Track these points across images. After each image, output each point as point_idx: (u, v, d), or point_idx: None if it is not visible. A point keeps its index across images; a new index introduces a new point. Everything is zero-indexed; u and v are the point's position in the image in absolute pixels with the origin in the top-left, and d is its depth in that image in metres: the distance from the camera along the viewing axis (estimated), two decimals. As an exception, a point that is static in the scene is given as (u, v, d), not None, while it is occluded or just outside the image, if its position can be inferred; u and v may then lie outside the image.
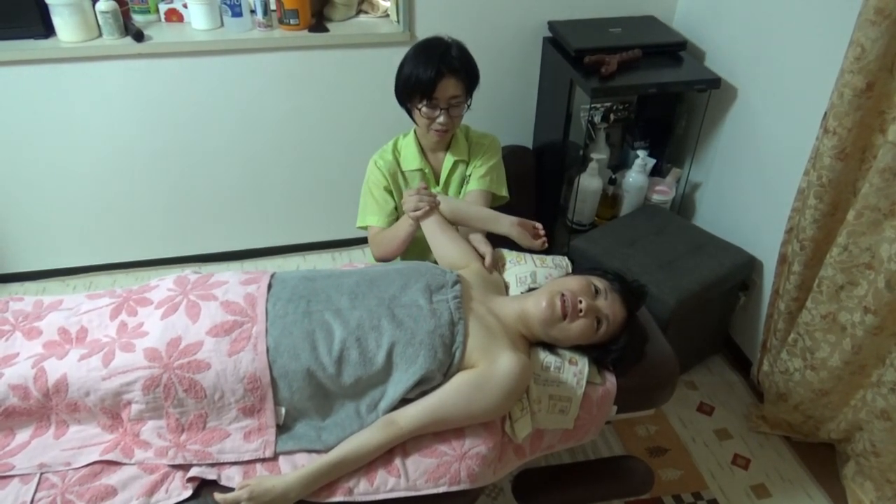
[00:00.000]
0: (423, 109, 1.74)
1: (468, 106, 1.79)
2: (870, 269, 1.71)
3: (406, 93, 1.75)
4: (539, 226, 1.65)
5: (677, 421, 2.21)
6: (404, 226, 1.74)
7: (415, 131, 1.88)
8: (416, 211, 1.66)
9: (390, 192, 1.88)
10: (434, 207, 1.67)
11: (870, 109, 1.62)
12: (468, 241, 1.69)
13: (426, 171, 1.88)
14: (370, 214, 1.90)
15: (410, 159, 1.87)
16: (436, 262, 1.67)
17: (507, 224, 1.65)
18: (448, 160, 1.88)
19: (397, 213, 1.91)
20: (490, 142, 1.92)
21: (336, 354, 1.29)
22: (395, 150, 1.89)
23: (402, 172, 1.88)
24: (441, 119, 1.74)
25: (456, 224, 1.72)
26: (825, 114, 1.71)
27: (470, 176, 1.90)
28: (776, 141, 2.13)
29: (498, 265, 1.68)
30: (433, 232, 1.67)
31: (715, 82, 2.28)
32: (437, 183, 1.91)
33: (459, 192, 1.91)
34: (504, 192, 1.94)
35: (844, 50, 1.61)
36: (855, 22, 1.56)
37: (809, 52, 1.93)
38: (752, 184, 2.26)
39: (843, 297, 1.79)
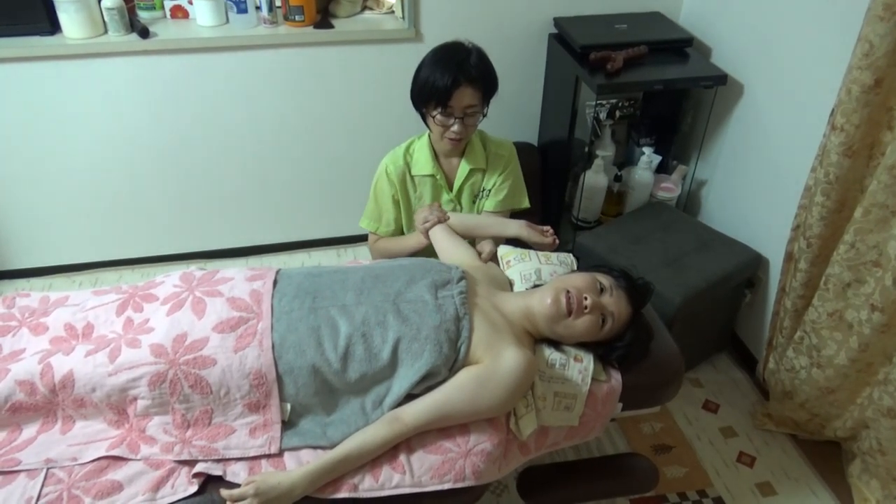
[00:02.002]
0: (438, 117, 1.72)
1: (484, 114, 1.76)
2: (877, 267, 1.70)
3: (421, 98, 1.74)
4: (548, 229, 1.71)
5: (682, 418, 2.20)
6: (413, 242, 1.81)
7: (429, 135, 1.86)
8: (425, 223, 1.73)
9: (397, 203, 1.88)
10: (441, 220, 1.74)
11: (878, 106, 1.61)
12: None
13: (438, 177, 1.86)
14: (373, 220, 1.92)
15: (422, 164, 1.85)
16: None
17: (515, 227, 1.72)
18: (463, 168, 1.86)
19: (396, 224, 1.91)
20: (508, 152, 1.91)
21: (341, 350, 1.29)
22: (406, 153, 1.87)
23: (412, 177, 1.87)
24: (455, 128, 1.72)
25: (466, 236, 1.75)
26: (833, 110, 1.70)
27: (489, 191, 1.89)
28: (783, 138, 2.12)
29: (501, 261, 1.68)
30: (440, 240, 1.72)
31: (721, 79, 2.27)
32: (450, 189, 1.89)
33: (473, 201, 1.90)
34: (525, 204, 1.95)
35: (852, 46, 1.60)
36: (863, 18, 1.55)
37: (817, 48, 1.92)
38: (759, 181, 2.25)
39: (849, 294, 1.79)
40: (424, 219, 1.75)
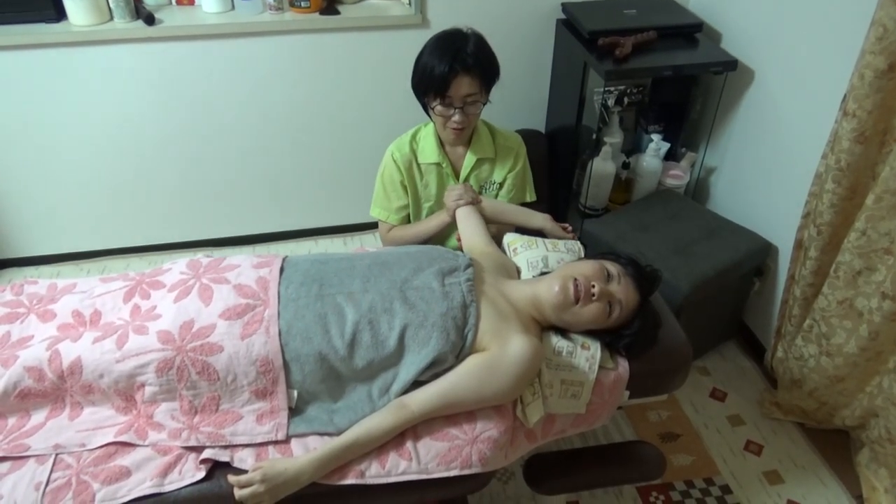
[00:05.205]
0: (438, 108, 1.71)
1: (485, 102, 1.74)
2: (888, 255, 1.69)
3: (420, 89, 1.72)
4: (568, 226, 1.74)
5: (690, 407, 2.20)
6: (435, 222, 1.80)
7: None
8: (458, 200, 1.72)
9: (404, 188, 1.87)
10: (474, 202, 1.73)
11: (891, 91, 1.58)
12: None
13: (444, 165, 1.85)
14: (383, 209, 1.91)
15: (428, 152, 1.84)
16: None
17: (540, 219, 1.76)
18: (469, 158, 1.85)
19: (407, 210, 1.90)
20: (517, 145, 1.90)
21: (348, 337, 1.29)
22: (412, 141, 1.86)
23: (419, 165, 1.86)
24: (456, 118, 1.71)
25: (493, 221, 1.76)
26: (845, 96, 1.68)
27: (498, 185, 1.89)
28: (794, 124, 2.09)
29: (508, 248, 1.68)
30: (463, 219, 1.72)
31: (731, 64, 2.25)
32: (457, 178, 1.88)
33: (479, 191, 1.89)
34: (532, 197, 1.95)
35: (865, 30, 1.58)
36: (877, 1, 1.52)
37: (829, 32, 1.90)
38: (769, 168, 2.23)
39: (860, 282, 1.77)
40: (458, 196, 1.72)
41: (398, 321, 1.31)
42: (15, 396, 1.28)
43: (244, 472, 1.22)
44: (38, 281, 1.57)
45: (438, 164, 1.85)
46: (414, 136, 1.86)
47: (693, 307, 2.06)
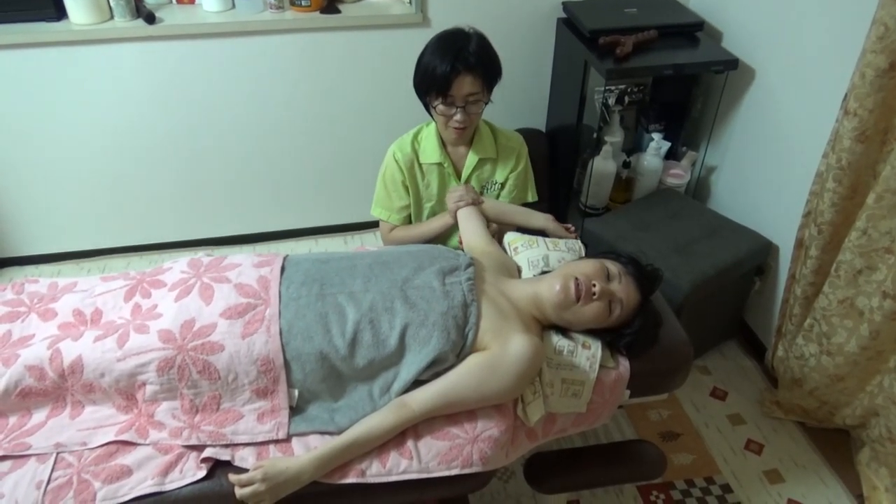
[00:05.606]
0: (440, 107, 1.71)
1: (486, 101, 1.74)
2: (889, 254, 1.69)
3: (422, 88, 1.72)
4: (570, 226, 1.75)
5: (690, 406, 2.20)
6: (438, 224, 1.81)
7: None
8: (458, 202, 1.72)
9: (406, 188, 1.87)
10: (475, 203, 1.74)
11: (892, 90, 1.58)
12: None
13: (445, 165, 1.85)
14: (384, 208, 1.91)
15: (430, 152, 1.84)
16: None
17: (541, 219, 1.76)
18: (471, 158, 1.85)
19: (409, 210, 1.90)
20: (519, 145, 1.90)
21: (349, 336, 1.29)
22: (414, 141, 1.86)
23: (420, 165, 1.86)
24: (458, 117, 1.71)
25: (494, 221, 1.76)
26: (846, 95, 1.68)
27: (500, 185, 1.89)
28: (794, 123, 2.09)
29: (509, 247, 1.68)
30: (464, 220, 1.72)
31: (732, 63, 2.24)
32: (458, 178, 1.88)
33: (481, 191, 1.89)
34: (533, 198, 1.95)
35: (867, 29, 1.57)
36: (878, 0, 1.52)
37: (830, 31, 1.89)
38: (770, 167, 2.23)
39: (861, 281, 1.77)
40: (459, 197, 1.74)
41: (399, 320, 1.31)
42: (16, 395, 1.28)
43: (245, 470, 1.22)
44: (39, 280, 1.57)
45: (440, 164, 1.85)
46: (416, 136, 1.86)
47: (694, 306, 2.06)
